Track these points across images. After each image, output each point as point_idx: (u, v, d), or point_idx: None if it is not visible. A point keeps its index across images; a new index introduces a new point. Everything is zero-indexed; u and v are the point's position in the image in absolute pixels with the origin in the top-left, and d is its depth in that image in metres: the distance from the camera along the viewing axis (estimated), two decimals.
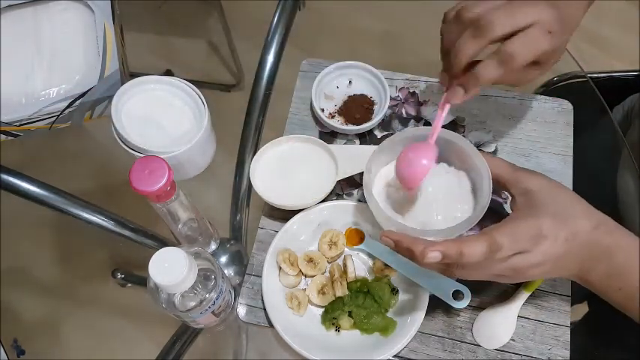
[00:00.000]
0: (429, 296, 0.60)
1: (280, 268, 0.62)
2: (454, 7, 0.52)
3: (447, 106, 0.55)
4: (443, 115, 0.55)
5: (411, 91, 0.73)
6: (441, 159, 0.58)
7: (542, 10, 0.49)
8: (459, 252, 0.48)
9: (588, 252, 0.50)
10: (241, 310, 0.63)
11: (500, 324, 0.60)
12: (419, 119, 0.72)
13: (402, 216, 0.58)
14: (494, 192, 0.65)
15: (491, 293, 0.62)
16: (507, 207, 0.65)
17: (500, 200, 0.66)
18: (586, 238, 0.50)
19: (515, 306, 0.60)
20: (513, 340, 0.60)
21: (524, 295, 0.60)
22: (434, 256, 0.48)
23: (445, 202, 0.57)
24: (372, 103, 0.71)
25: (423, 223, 0.57)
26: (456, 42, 0.51)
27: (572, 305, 0.61)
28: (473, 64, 0.51)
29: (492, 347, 0.60)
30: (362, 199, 0.68)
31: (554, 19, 0.49)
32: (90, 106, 0.73)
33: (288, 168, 0.66)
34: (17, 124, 0.70)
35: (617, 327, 0.70)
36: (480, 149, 0.69)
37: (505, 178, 0.54)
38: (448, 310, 0.61)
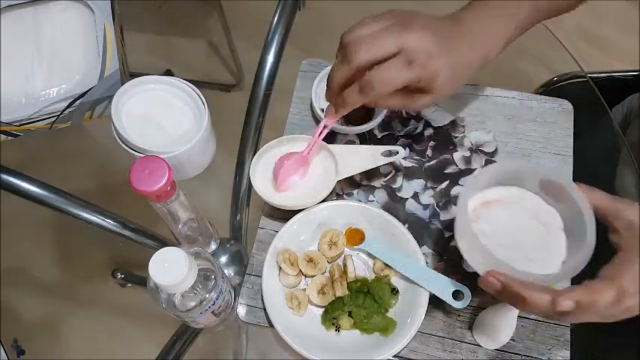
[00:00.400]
0: (429, 296, 0.60)
1: (280, 268, 0.62)
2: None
3: (325, 120, 0.60)
4: (319, 130, 0.61)
5: None
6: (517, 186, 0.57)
7: (406, 40, 0.50)
8: (591, 300, 0.46)
9: None
10: (241, 310, 0.63)
11: (500, 324, 0.60)
12: (419, 119, 0.72)
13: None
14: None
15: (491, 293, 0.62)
16: None
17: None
18: None
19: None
20: (513, 340, 0.60)
21: None
22: (568, 305, 0.46)
23: (536, 239, 0.55)
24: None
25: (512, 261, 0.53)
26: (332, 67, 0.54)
27: None
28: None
29: (492, 347, 0.60)
30: (362, 199, 0.68)
31: (421, 48, 0.50)
32: (90, 106, 0.73)
33: None
34: (17, 124, 0.70)
35: (616, 327, 0.70)
36: (479, 149, 0.69)
37: (604, 209, 0.51)
38: (448, 310, 0.61)
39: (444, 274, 0.61)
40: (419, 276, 0.60)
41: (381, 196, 0.68)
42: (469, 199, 0.56)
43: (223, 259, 0.68)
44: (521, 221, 0.56)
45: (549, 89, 0.80)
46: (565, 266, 0.52)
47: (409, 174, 0.69)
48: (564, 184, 0.53)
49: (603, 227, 0.51)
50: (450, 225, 0.66)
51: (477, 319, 0.61)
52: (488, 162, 0.69)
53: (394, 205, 0.67)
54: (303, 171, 0.65)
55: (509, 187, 0.58)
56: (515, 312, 0.59)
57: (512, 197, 0.57)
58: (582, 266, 0.50)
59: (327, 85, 0.56)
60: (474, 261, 0.54)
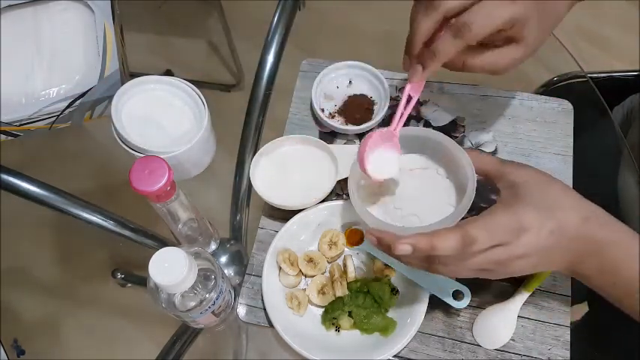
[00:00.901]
0: (429, 296, 0.60)
1: (280, 268, 0.62)
2: None
3: (408, 87, 0.54)
4: (403, 102, 0.55)
5: None
6: (425, 155, 0.60)
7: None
8: (430, 245, 0.47)
9: (578, 246, 0.49)
10: (241, 310, 0.63)
11: (500, 324, 0.60)
12: (419, 119, 0.72)
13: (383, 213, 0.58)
14: (490, 190, 0.66)
15: (491, 293, 0.62)
16: None
17: (494, 198, 0.66)
18: (575, 232, 0.48)
19: (515, 306, 0.60)
20: (513, 340, 0.60)
21: (524, 295, 0.60)
22: (404, 248, 0.47)
23: (428, 200, 0.58)
24: (372, 103, 0.71)
25: (405, 219, 0.57)
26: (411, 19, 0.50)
27: (572, 305, 0.61)
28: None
29: (492, 347, 0.60)
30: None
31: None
32: (90, 106, 0.73)
33: (288, 168, 0.66)
34: (17, 124, 0.70)
35: (617, 327, 0.70)
36: (479, 149, 0.69)
37: (492, 172, 0.53)
38: (448, 310, 0.61)
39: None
40: (419, 276, 0.60)
41: None
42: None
43: (223, 259, 0.68)
44: (415, 188, 0.59)
45: (549, 89, 0.80)
46: (442, 218, 0.52)
47: None
48: (449, 145, 0.56)
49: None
50: None
51: (476, 319, 0.61)
52: None
53: None
54: (391, 147, 0.57)
55: (417, 155, 0.61)
56: (515, 312, 0.60)
57: (415, 169, 0.60)
58: (450, 224, 0.50)
59: (408, 44, 0.51)
60: (361, 216, 0.55)
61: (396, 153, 0.57)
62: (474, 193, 0.52)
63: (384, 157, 0.56)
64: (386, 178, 0.57)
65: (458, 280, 0.60)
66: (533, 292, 0.61)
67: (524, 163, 0.53)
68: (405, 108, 0.55)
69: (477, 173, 0.54)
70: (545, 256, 0.49)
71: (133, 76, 0.69)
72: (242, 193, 0.73)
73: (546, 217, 0.48)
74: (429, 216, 0.56)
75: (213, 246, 0.68)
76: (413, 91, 0.55)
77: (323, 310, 0.61)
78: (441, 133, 0.57)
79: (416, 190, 0.59)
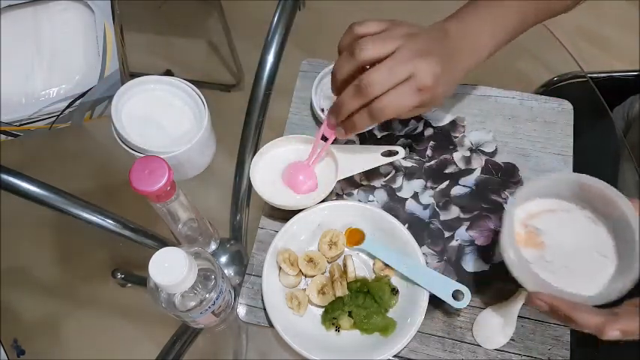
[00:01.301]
0: (429, 296, 0.60)
1: (280, 268, 0.62)
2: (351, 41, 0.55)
3: (323, 128, 0.61)
4: (317, 145, 0.63)
5: None
6: (581, 204, 0.56)
7: (418, 69, 0.52)
8: (568, 315, 0.48)
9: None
10: (241, 310, 0.63)
11: (500, 324, 0.60)
12: (419, 119, 0.72)
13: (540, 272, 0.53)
14: (495, 192, 0.66)
15: (491, 293, 0.62)
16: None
17: (500, 200, 0.66)
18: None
19: (515, 306, 0.60)
20: (513, 340, 0.60)
21: (524, 295, 0.60)
22: (615, 335, 0.47)
23: (578, 250, 0.54)
24: None
25: (557, 273, 0.53)
26: (342, 94, 0.55)
27: None
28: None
29: (492, 347, 0.60)
30: (362, 199, 0.68)
31: (430, 74, 0.52)
32: (90, 106, 0.73)
33: None
34: (17, 124, 0.70)
35: None
36: (479, 149, 0.69)
37: None
38: (448, 310, 0.61)
39: (444, 274, 0.61)
40: (419, 276, 0.60)
41: (381, 196, 0.68)
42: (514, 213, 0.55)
43: (223, 259, 0.68)
44: (566, 236, 0.55)
45: (549, 89, 0.80)
46: (611, 287, 0.51)
47: (409, 174, 0.69)
48: (614, 196, 0.52)
49: None
50: (449, 225, 0.66)
51: (477, 319, 0.61)
52: (488, 162, 0.69)
53: (394, 205, 0.67)
54: (309, 178, 0.65)
55: (553, 199, 0.57)
56: (516, 312, 0.59)
57: (557, 211, 0.56)
58: (629, 288, 0.49)
59: (338, 109, 0.57)
60: (521, 277, 0.53)
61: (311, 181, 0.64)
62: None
63: (301, 181, 0.64)
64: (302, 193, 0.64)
65: (458, 280, 0.60)
66: None
67: None
68: (321, 147, 0.63)
69: None
70: None
71: (133, 76, 0.69)
72: (242, 193, 0.73)
73: None
74: (580, 269, 0.54)
75: (213, 246, 0.68)
76: (332, 136, 0.61)
77: (323, 310, 0.61)
78: (596, 178, 0.53)
79: (565, 238, 0.55)
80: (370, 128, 0.70)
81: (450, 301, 0.59)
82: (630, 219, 0.51)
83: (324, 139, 0.62)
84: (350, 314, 0.60)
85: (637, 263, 0.49)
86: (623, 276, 0.51)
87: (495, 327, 0.60)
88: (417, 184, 0.68)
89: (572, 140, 0.69)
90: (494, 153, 0.70)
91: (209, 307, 0.54)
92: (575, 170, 0.68)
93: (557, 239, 0.55)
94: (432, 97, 0.54)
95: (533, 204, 0.57)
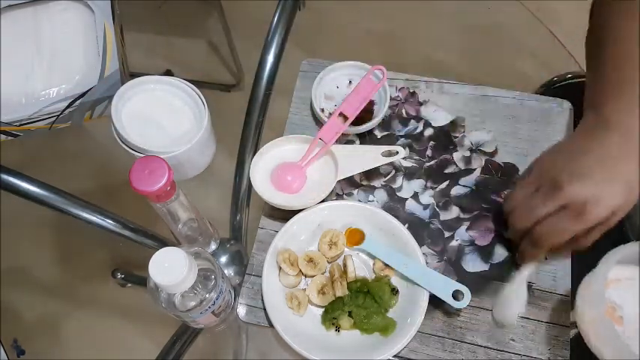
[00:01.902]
0: (429, 296, 0.60)
1: (280, 268, 0.62)
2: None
3: (320, 133, 0.64)
4: (314, 147, 0.65)
5: (411, 91, 0.73)
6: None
7: (566, 199, 0.50)
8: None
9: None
10: (241, 310, 0.63)
11: (512, 294, 0.60)
12: (419, 119, 0.72)
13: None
14: (495, 192, 0.66)
15: (491, 293, 0.62)
16: None
17: (500, 200, 0.66)
18: None
19: (522, 275, 0.60)
20: (513, 340, 0.60)
21: (532, 265, 0.60)
22: None
23: None
24: (372, 103, 0.71)
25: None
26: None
27: (572, 305, 0.61)
28: None
29: (513, 320, 0.59)
30: (362, 199, 0.68)
31: (585, 199, 0.50)
32: (90, 106, 0.73)
33: None
34: (17, 124, 0.70)
35: None
36: (479, 149, 0.69)
37: None
38: (448, 310, 0.61)
39: (444, 274, 0.61)
40: (419, 276, 0.60)
41: (381, 196, 0.68)
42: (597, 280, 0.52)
43: (223, 259, 0.68)
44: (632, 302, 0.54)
45: (549, 89, 0.80)
46: None
47: (409, 174, 0.69)
48: None
49: None
50: (449, 225, 0.66)
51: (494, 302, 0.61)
52: (488, 162, 0.69)
53: (394, 205, 0.67)
54: (299, 180, 0.65)
55: (632, 266, 0.56)
56: (524, 281, 0.60)
57: (635, 280, 0.55)
58: None
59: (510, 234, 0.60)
60: (607, 353, 0.50)
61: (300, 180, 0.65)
62: None
63: (290, 181, 0.65)
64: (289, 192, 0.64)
65: (458, 280, 0.60)
66: (533, 291, 0.61)
67: None
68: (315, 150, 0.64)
69: None
70: None
71: (133, 76, 0.69)
72: (242, 193, 0.73)
73: None
74: None
75: (213, 246, 0.68)
76: (325, 136, 0.63)
77: (323, 310, 0.61)
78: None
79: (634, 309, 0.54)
80: (370, 128, 0.70)
81: (450, 301, 0.59)
82: None
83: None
84: (350, 314, 0.60)
85: None
86: None
87: (506, 298, 0.60)
88: (417, 184, 0.68)
89: None
90: (494, 153, 0.69)
91: (209, 307, 0.54)
92: None
93: (636, 314, 0.53)
94: (604, 217, 0.50)
95: (612, 270, 0.54)
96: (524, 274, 0.60)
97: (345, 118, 0.65)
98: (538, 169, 0.56)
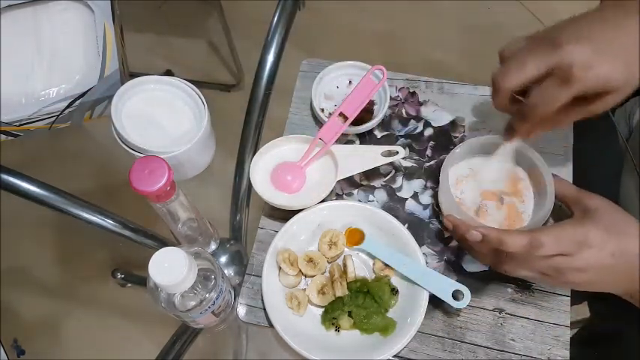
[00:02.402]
0: (429, 296, 0.60)
1: (280, 268, 0.62)
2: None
3: (321, 132, 0.64)
4: (314, 147, 0.65)
5: (411, 91, 0.73)
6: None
7: (559, 58, 0.49)
8: (499, 238, 0.52)
9: (636, 273, 0.52)
10: (241, 310, 0.63)
11: (495, 167, 0.64)
12: (419, 119, 0.72)
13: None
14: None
15: (491, 293, 0.62)
16: None
17: None
18: (634, 259, 0.51)
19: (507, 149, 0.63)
20: (513, 340, 0.60)
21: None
22: (476, 234, 0.54)
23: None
24: (372, 103, 0.71)
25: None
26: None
27: (572, 305, 0.61)
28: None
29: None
30: (362, 199, 0.68)
31: (577, 63, 0.48)
32: (90, 106, 0.73)
33: None
34: (17, 124, 0.70)
35: (616, 327, 0.70)
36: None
37: (569, 197, 0.58)
38: (448, 310, 0.61)
39: (444, 274, 0.61)
40: (419, 276, 0.60)
41: (380, 196, 0.68)
42: (451, 169, 0.63)
43: (223, 259, 0.68)
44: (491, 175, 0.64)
45: None
46: (533, 220, 0.60)
47: (409, 174, 0.69)
48: (540, 167, 0.61)
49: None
50: None
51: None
52: None
53: (394, 205, 0.67)
54: (299, 180, 0.65)
55: (491, 156, 0.64)
56: (510, 160, 0.64)
57: (491, 166, 0.64)
58: (540, 224, 0.58)
59: (495, 96, 0.55)
60: (452, 209, 0.60)
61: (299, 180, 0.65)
62: (550, 210, 0.58)
63: (290, 180, 0.65)
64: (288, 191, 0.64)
65: (458, 280, 0.60)
66: (532, 293, 0.61)
67: (599, 195, 0.56)
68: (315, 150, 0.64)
69: (555, 196, 0.58)
70: (603, 275, 0.52)
71: (133, 76, 0.69)
72: (242, 193, 0.73)
73: (610, 239, 0.51)
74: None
75: (213, 246, 0.68)
76: (325, 136, 0.63)
77: (323, 310, 0.61)
78: (536, 153, 0.62)
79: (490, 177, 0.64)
80: (370, 128, 0.70)
81: (450, 301, 0.59)
82: (548, 186, 0.59)
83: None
84: (350, 314, 0.60)
85: (548, 199, 0.58)
86: (540, 209, 0.59)
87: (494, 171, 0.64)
88: (417, 184, 0.68)
89: (572, 140, 0.69)
90: None
91: (209, 307, 0.54)
92: (575, 171, 0.68)
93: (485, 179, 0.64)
94: (592, 86, 0.49)
95: (472, 161, 0.65)
96: (508, 148, 0.62)
97: (345, 118, 0.65)
98: (542, 32, 0.54)
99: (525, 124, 0.56)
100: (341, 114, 0.66)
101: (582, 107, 0.53)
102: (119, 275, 0.72)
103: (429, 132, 0.71)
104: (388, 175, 0.69)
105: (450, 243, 0.65)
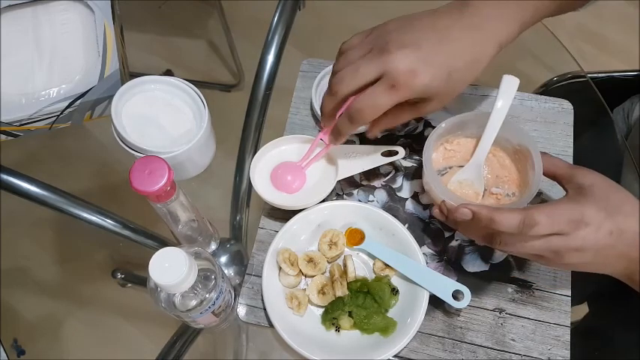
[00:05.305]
0: (429, 296, 0.60)
1: (280, 268, 0.62)
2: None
3: (322, 134, 0.62)
4: (314, 148, 0.64)
5: None
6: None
7: (385, 65, 0.50)
8: (489, 217, 0.50)
9: (636, 252, 0.50)
10: (241, 310, 0.63)
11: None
12: (419, 119, 0.72)
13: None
14: None
15: (491, 293, 0.62)
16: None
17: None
18: (632, 238, 0.50)
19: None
20: (513, 340, 0.60)
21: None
22: (465, 212, 0.52)
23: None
24: None
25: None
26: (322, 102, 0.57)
27: (572, 305, 0.61)
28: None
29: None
30: (362, 199, 0.68)
31: (400, 70, 0.50)
32: (90, 106, 0.73)
33: None
34: (17, 124, 0.70)
35: (616, 328, 0.70)
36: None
37: (561, 173, 0.55)
38: (448, 310, 0.61)
39: (444, 274, 0.61)
40: (419, 276, 0.60)
41: (381, 196, 0.68)
42: (434, 150, 0.63)
43: (223, 259, 0.68)
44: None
45: (549, 89, 0.80)
46: (519, 201, 0.58)
47: (409, 174, 0.69)
48: (529, 145, 0.59)
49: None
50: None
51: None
52: None
53: (394, 205, 0.67)
54: (299, 180, 0.65)
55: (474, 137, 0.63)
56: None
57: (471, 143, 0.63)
58: (526, 202, 0.56)
59: (321, 113, 0.58)
60: (437, 189, 0.58)
61: (301, 180, 0.65)
62: (537, 190, 0.56)
63: (290, 180, 0.65)
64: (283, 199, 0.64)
65: (458, 280, 0.60)
66: (532, 292, 0.60)
67: (593, 170, 0.54)
68: (316, 151, 0.64)
69: (546, 174, 0.57)
70: (601, 255, 0.50)
71: (133, 76, 0.69)
72: (242, 193, 0.73)
73: (608, 217, 0.49)
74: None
75: (213, 246, 0.68)
76: (326, 137, 0.61)
77: (323, 310, 0.61)
78: (524, 130, 0.61)
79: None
80: None
81: (450, 301, 0.59)
82: (536, 163, 0.57)
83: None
84: (350, 314, 0.60)
85: (535, 181, 0.56)
86: (527, 190, 0.58)
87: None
88: (417, 184, 0.68)
89: (572, 140, 0.69)
90: None
91: (209, 307, 0.54)
92: None
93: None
94: (416, 93, 0.52)
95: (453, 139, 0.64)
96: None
97: None
98: (378, 31, 0.55)
99: (352, 127, 0.56)
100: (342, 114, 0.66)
101: (410, 110, 0.55)
102: (119, 275, 0.72)
103: (429, 132, 0.71)
104: (388, 175, 0.69)
105: (450, 243, 0.65)
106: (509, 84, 0.58)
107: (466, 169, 0.62)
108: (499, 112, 0.58)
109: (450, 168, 0.63)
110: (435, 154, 0.63)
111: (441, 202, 0.56)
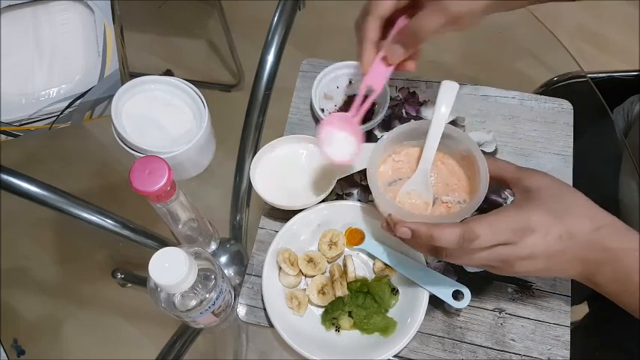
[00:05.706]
0: (429, 296, 0.60)
1: (280, 268, 0.62)
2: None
3: (367, 79, 0.56)
4: (362, 93, 0.57)
5: (411, 91, 0.73)
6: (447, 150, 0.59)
7: None
8: (428, 234, 0.48)
9: (590, 254, 0.49)
10: (241, 310, 0.63)
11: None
12: (419, 119, 0.72)
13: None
14: (495, 192, 0.66)
15: (491, 293, 0.62)
16: None
17: (500, 200, 0.66)
18: (585, 239, 0.48)
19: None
20: (513, 340, 0.60)
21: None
22: (404, 231, 0.50)
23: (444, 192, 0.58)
24: (372, 103, 0.71)
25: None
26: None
27: (572, 305, 0.61)
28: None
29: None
30: (362, 199, 0.68)
31: None
32: (90, 106, 0.73)
33: (289, 168, 0.66)
34: (17, 124, 0.70)
35: (617, 327, 0.70)
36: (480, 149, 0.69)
37: (509, 177, 0.54)
38: (448, 310, 0.61)
39: (444, 274, 0.61)
40: (419, 276, 0.60)
41: None
42: (383, 162, 0.60)
43: (223, 259, 0.68)
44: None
45: (549, 89, 0.80)
46: (462, 213, 0.54)
47: None
48: (470, 147, 0.56)
49: None
50: None
51: None
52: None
53: None
54: (352, 132, 0.59)
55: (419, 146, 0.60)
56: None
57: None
58: (470, 213, 0.53)
59: (362, 45, 0.56)
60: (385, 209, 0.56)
61: (355, 138, 0.59)
62: (484, 196, 0.53)
63: (344, 142, 0.59)
64: (343, 161, 0.58)
65: (458, 280, 0.60)
66: (532, 291, 0.60)
67: (542, 171, 0.53)
68: (364, 100, 0.57)
69: (493, 178, 0.54)
70: (553, 261, 0.49)
71: (133, 76, 0.69)
72: (242, 193, 0.73)
73: (555, 221, 0.48)
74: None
75: (213, 246, 0.68)
76: (374, 82, 0.57)
77: (323, 310, 0.61)
78: (462, 132, 0.58)
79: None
80: (370, 128, 0.70)
81: (450, 301, 0.59)
82: (480, 166, 0.54)
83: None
84: (350, 314, 0.60)
85: (481, 188, 0.53)
86: (472, 199, 0.55)
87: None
88: None
89: (572, 140, 0.69)
90: (494, 153, 0.69)
91: (209, 307, 0.54)
92: (575, 171, 0.68)
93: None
94: (461, 12, 0.50)
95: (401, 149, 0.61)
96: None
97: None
98: None
99: (407, 51, 0.54)
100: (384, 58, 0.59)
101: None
102: (119, 275, 0.72)
103: None
104: None
105: None
106: (449, 89, 0.57)
107: (413, 180, 0.59)
108: (439, 118, 0.56)
109: (400, 179, 0.59)
110: (383, 166, 0.60)
111: (388, 215, 0.54)
